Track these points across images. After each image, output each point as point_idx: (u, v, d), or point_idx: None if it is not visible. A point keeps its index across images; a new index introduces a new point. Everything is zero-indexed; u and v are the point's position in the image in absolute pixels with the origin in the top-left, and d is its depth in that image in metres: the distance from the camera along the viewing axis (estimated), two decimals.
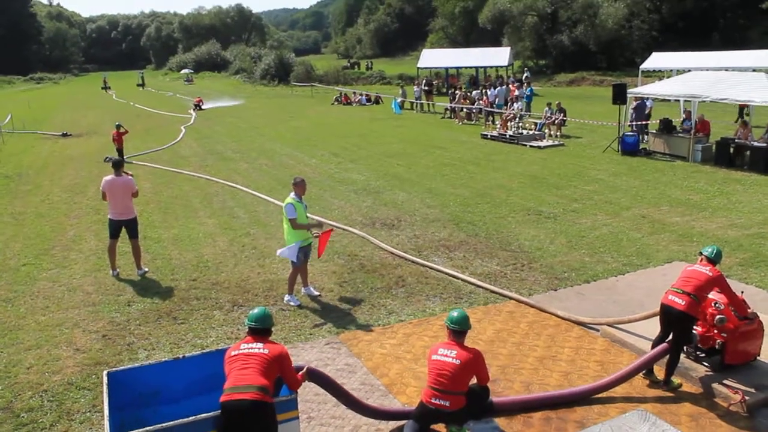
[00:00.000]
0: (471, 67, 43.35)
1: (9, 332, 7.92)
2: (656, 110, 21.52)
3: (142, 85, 67.27)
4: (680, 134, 18.07)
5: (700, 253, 6.41)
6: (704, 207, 12.63)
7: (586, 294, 8.57)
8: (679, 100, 19.33)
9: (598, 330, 7.45)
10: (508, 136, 21.47)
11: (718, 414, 5.74)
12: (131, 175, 10.03)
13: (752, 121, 18.66)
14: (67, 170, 19.24)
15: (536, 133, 21.75)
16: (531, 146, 20.27)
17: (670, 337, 6.18)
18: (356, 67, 67.68)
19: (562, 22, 49.94)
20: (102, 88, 62.68)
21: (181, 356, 5.59)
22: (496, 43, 51.14)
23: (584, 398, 5.98)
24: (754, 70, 21.91)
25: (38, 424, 5.94)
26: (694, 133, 17.31)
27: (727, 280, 6.24)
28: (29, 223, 13.17)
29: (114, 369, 5.42)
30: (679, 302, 5.99)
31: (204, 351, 6.08)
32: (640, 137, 19.18)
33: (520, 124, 22.45)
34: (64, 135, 27.72)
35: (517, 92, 27.81)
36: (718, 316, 6.04)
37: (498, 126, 23.09)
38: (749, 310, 6.20)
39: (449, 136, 23.38)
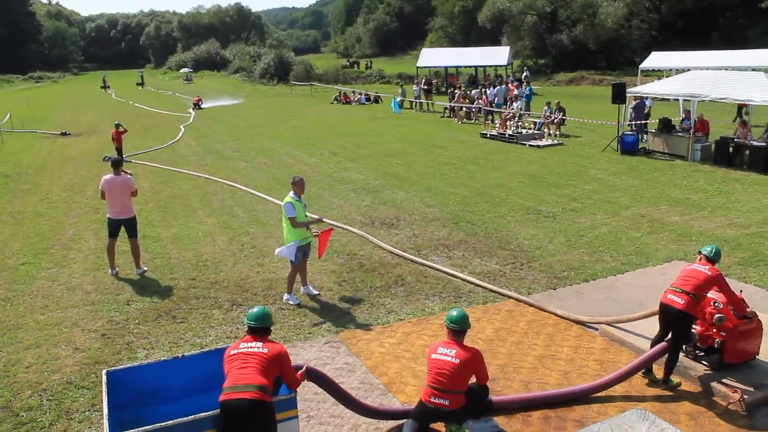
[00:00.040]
0: (470, 66, 43.34)
1: (8, 331, 7.92)
2: (655, 109, 21.53)
3: (142, 84, 67.21)
4: (679, 133, 18.08)
5: (699, 252, 6.41)
6: (703, 206, 12.64)
7: (585, 293, 8.57)
8: (678, 100, 19.34)
9: (597, 329, 7.45)
10: (507, 136, 21.47)
11: (717, 413, 5.75)
12: (130, 174, 10.02)
13: (751, 120, 18.66)
14: (66, 169, 19.24)
15: (535, 132, 21.75)
16: (530, 145, 20.27)
17: (669, 336, 6.19)
18: (355, 66, 67.63)
19: (561, 21, 49.96)
20: (101, 87, 62.63)
21: (180, 355, 5.59)
22: (496, 42, 51.11)
23: (583, 397, 5.99)
24: (753, 70, 21.90)
25: (37, 423, 5.94)
26: (693, 132, 17.32)
27: (726, 279, 6.24)
28: (28, 222, 13.17)
29: (113, 368, 5.42)
30: (678, 301, 6.00)
31: (203, 350, 6.07)
32: (640, 136, 19.19)
33: (520, 123, 22.45)
34: (64, 134, 27.70)
35: (516, 91, 27.80)
36: (717, 315, 6.05)
37: (497, 125, 23.08)
38: (748, 309, 6.21)
39: (448, 136, 23.38)
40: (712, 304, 6.16)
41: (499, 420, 5.70)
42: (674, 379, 6.21)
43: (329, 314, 8.20)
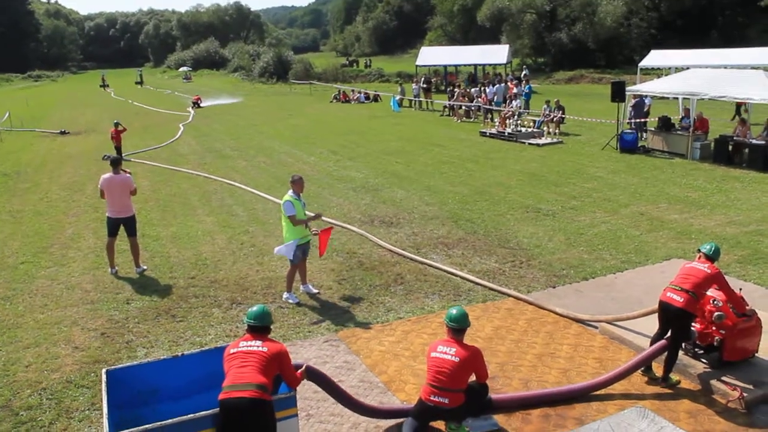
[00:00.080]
0: (469, 65, 43.30)
1: (7, 330, 7.91)
2: (655, 108, 21.53)
3: (141, 82, 67.22)
4: (679, 132, 18.07)
5: (699, 251, 6.42)
6: (703, 204, 12.64)
7: (584, 291, 8.58)
8: (677, 98, 19.32)
9: (596, 327, 7.46)
10: (506, 134, 21.46)
11: (717, 410, 5.75)
12: (129, 173, 10.02)
13: (750, 118, 18.66)
14: (65, 168, 19.23)
15: (535, 130, 21.74)
16: (530, 144, 20.27)
17: (669, 334, 6.19)
18: (355, 64, 67.58)
19: (560, 19, 49.94)
20: (100, 86, 62.57)
21: (179, 354, 5.58)
22: (495, 40, 51.05)
23: (583, 395, 5.99)
24: (752, 68, 21.88)
25: (37, 422, 5.94)
26: (692, 130, 17.32)
27: (726, 277, 6.25)
28: (27, 221, 13.16)
29: (113, 367, 5.42)
30: (678, 299, 6.00)
31: (203, 349, 6.06)
32: (639, 135, 19.19)
33: (519, 121, 22.42)
34: (63, 133, 27.68)
35: (515, 90, 27.78)
36: (716, 313, 6.05)
37: (497, 124, 23.07)
38: (747, 307, 6.21)
39: (448, 134, 23.37)
40: (711, 302, 6.16)
41: (499, 418, 5.71)
42: (673, 377, 6.21)
43: (329, 313, 8.20)
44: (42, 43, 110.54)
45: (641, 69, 32.23)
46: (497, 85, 28.28)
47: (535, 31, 51.01)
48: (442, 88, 39.80)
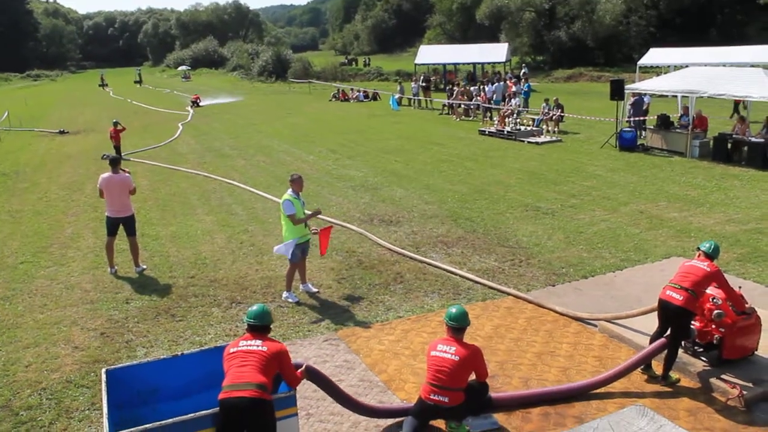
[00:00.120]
0: (469, 63, 43.29)
1: (7, 330, 7.91)
2: (654, 106, 21.51)
3: (140, 82, 67.18)
4: (678, 130, 18.07)
5: (698, 249, 6.42)
6: (702, 202, 12.64)
7: (584, 289, 8.58)
8: (676, 96, 19.33)
9: (596, 325, 7.46)
10: (505, 132, 21.46)
11: (716, 409, 5.75)
12: (128, 173, 10.01)
13: (749, 116, 18.66)
14: (64, 168, 19.21)
15: (534, 129, 21.74)
16: (529, 142, 20.27)
17: (668, 332, 6.19)
18: (354, 63, 67.59)
19: (559, 18, 49.93)
20: (99, 86, 62.52)
21: (179, 353, 5.58)
22: (494, 39, 51.06)
23: (582, 393, 5.99)
24: (751, 66, 21.88)
25: (37, 422, 5.94)
26: (691, 128, 17.32)
27: (725, 275, 6.25)
28: (27, 221, 13.15)
29: (112, 367, 5.41)
30: (677, 297, 6.00)
31: (202, 348, 6.06)
32: (638, 133, 19.19)
33: (518, 120, 22.42)
34: (62, 132, 27.66)
35: (514, 88, 27.78)
36: (715, 311, 6.05)
37: (496, 122, 23.07)
38: (747, 305, 6.21)
39: (447, 133, 23.37)
40: (710, 300, 6.16)
41: (499, 417, 5.71)
42: (673, 375, 6.22)
43: (328, 312, 8.20)
44: (41, 42, 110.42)
45: (640, 67, 32.21)
46: (496, 84, 28.28)
47: (534, 29, 51.01)
48: (441, 86, 39.79)
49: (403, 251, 10.26)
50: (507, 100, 25.90)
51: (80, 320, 8.13)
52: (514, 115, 22.79)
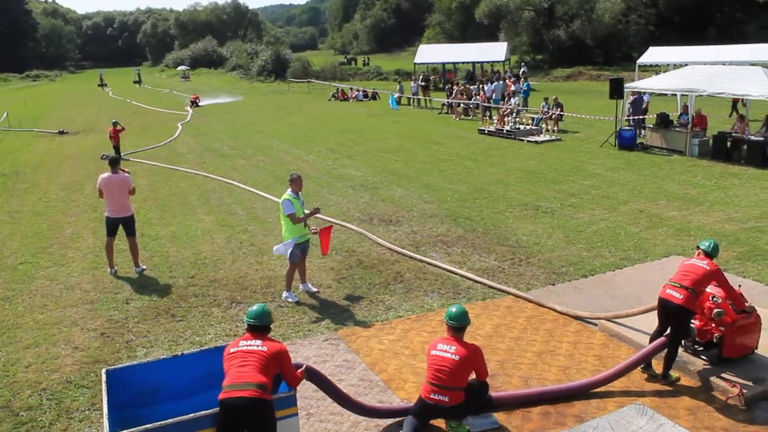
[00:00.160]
0: (468, 63, 43.28)
1: (7, 331, 7.91)
2: (653, 105, 21.53)
3: (139, 82, 67.17)
4: (677, 129, 18.08)
5: (698, 247, 6.42)
6: (701, 201, 12.65)
7: (583, 288, 8.58)
8: (676, 95, 19.34)
9: (596, 324, 7.46)
10: (505, 132, 21.46)
11: (716, 407, 5.76)
12: (128, 173, 10.01)
13: (749, 114, 18.66)
14: (63, 168, 19.20)
15: (533, 128, 21.74)
16: (528, 141, 20.27)
17: (668, 331, 6.19)
18: (353, 62, 67.62)
19: (558, 17, 49.94)
20: (98, 86, 62.51)
21: (179, 354, 5.58)
22: (493, 38, 51.05)
23: (582, 393, 5.99)
24: (751, 64, 21.88)
25: (37, 422, 5.94)
26: (691, 127, 17.32)
27: (725, 273, 6.25)
28: (26, 222, 13.15)
29: (113, 367, 5.41)
30: (677, 296, 6.00)
31: (202, 348, 6.06)
32: (638, 132, 19.19)
33: (517, 119, 22.43)
34: (61, 132, 27.65)
35: (513, 87, 27.79)
36: (715, 310, 6.05)
37: (495, 121, 23.07)
38: (747, 304, 6.21)
39: (446, 132, 23.37)
40: (710, 298, 6.16)
41: (499, 416, 5.71)
42: (673, 374, 6.22)
43: (328, 311, 8.20)
44: (40, 42, 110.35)
45: (639, 66, 32.21)
46: (495, 83, 28.30)
47: (533, 28, 51.03)
48: (441, 85, 39.79)
49: (402, 251, 10.26)
50: (506, 99, 25.91)
51: (80, 320, 8.13)
52: (514, 114, 22.79)
